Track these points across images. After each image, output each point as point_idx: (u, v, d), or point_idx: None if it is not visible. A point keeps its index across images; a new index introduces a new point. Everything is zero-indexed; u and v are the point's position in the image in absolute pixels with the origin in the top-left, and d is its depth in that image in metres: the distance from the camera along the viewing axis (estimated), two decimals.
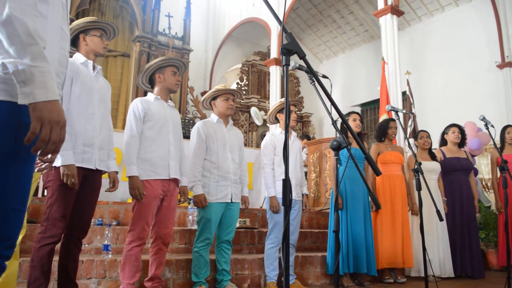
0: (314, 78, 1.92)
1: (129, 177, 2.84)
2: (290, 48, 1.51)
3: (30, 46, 1.07)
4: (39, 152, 1.11)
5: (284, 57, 1.53)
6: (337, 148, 2.12)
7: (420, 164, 3.32)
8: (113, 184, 2.79)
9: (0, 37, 1.06)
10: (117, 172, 2.82)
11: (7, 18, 1.05)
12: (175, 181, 3.08)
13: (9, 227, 1.13)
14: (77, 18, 9.37)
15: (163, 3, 10.58)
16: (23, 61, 1.05)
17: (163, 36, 10.47)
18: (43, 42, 1.11)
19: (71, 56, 2.67)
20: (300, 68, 2.24)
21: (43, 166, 1.96)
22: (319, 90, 1.89)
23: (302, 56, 1.56)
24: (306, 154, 6.90)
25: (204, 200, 3.23)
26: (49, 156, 1.42)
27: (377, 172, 1.58)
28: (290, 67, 1.68)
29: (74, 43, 2.74)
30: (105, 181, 2.80)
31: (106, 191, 2.76)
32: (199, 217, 3.31)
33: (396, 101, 6.60)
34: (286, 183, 1.36)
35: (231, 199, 3.37)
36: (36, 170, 1.86)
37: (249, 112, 11.51)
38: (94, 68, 2.71)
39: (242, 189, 3.55)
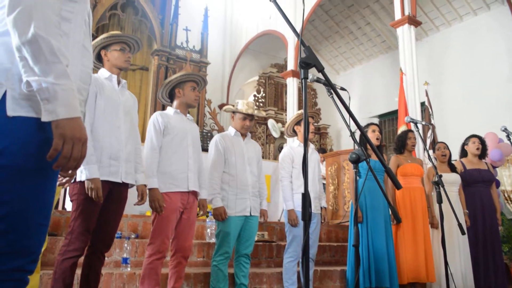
0: (332, 91, 1.91)
1: (149, 189, 2.86)
2: (308, 62, 1.51)
3: (54, 64, 1.09)
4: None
5: (302, 70, 1.53)
6: (356, 161, 2.10)
7: (440, 176, 3.27)
8: (141, 197, 2.80)
9: (25, 55, 1.08)
10: (145, 185, 2.83)
11: (32, 37, 1.08)
12: (194, 193, 3.09)
13: (33, 242, 1.15)
14: (97, 33, 9.57)
15: (181, 17, 10.72)
16: (47, 79, 1.07)
17: (181, 50, 10.59)
18: (66, 60, 1.14)
19: (96, 72, 2.72)
20: (318, 80, 2.23)
21: (64, 181, 1.99)
22: (338, 102, 1.88)
23: (321, 69, 1.56)
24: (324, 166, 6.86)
25: (224, 213, 3.22)
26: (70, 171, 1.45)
27: (397, 186, 1.55)
28: (308, 80, 1.68)
29: (99, 59, 2.79)
30: (130, 194, 2.81)
31: (134, 204, 2.78)
32: (217, 231, 3.30)
33: (415, 112, 6.53)
34: (306, 197, 1.35)
35: (250, 213, 3.36)
36: (57, 184, 1.89)
37: (266, 124, 11.52)
38: (119, 82, 2.75)
39: (261, 202, 3.53)
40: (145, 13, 10.05)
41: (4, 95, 1.12)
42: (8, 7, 1.10)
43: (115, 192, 2.59)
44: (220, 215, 3.22)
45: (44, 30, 1.09)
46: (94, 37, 2.76)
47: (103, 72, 2.70)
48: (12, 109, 1.12)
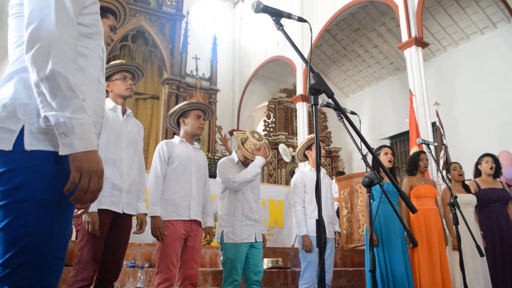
0: (342, 115, 1.91)
1: (152, 217, 2.88)
2: (318, 88, 1.52)
3: (72, 99, 1.12)
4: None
5: (312, 97, 1.54)
6: (369, 185, 2.09)
7: (455, 197, 3.23)
8: (140, 226, 2.80)
9: (43, 90, 1.11)
10: (145, 214, 2.84)
11: (50, 73, 1.11)
12: (197, 222, 3.09)
13: (50, 275, 1.15)
14: (108, 64, 9.73)
15: (190, 46, 10.90)
16: (64, 113, 1.10)
17: (191, 78, 10.73)
18: (83, 95, 1.17)
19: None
20: (328, 105, 2.24)
21: (78, 212, 2.00)
22: (348, 126, 1.89)
23: (331, 95, 1.57)
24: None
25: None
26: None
27: (412, 210, 1.54)
28: (318, 105, 1.69)
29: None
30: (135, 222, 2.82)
31: (134, 233, 2.78)
32: (224, 259, 3.27)
33: (426, 133, 6.49)
34: (320, 224, 1.35)
35: (255, 239, 3.35)
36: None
37: (277, 149, 11.53)
38: (125, 112, 2.78)
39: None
40: (155, 43, 10.24)
41: (22, 129, 1.15)
42: (27, 44, 1.14)
43: (118, 222, 2.59)
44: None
45: (61, 66, 1.13)
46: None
47: (108, 103, 2.72)
48: (30, 143, 1.15)
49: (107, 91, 2.79)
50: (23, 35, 1.17)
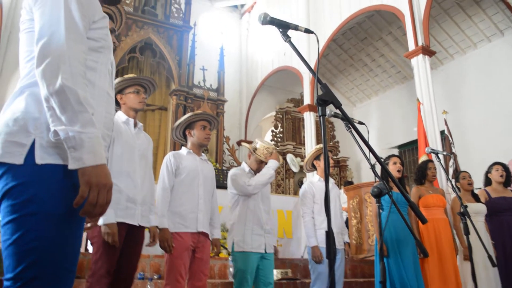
0: (350, 126, 1.91)
1: (159, 229, 2.88)
2: (325, 99, 1.53)
3: (81, 113, 1.13)
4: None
5: (320, 108, 1.54)
6: (378, 195, 2.08)
7: (466, 206, 3.20)
8: (153, 239, 2.82)
9: (53, 105, 1.13)
10: (157, 227, 2.85)
11: (60, 87, 1.12)
12: (205, 234, 3.09)
13: (63, 287, 1.16)
14: (117, 76, 9.81)
15: (198, 57, 10.96)
16: (73, 128, 1.11)
17: (199, 89, 10.77)
18: (92, 109, 1.18)
19: None
20: (335, 115, 2.25)
21: (88, 225, 2.01)
22: (356, 137, 1.88)
23: (338, 106, 1.57)
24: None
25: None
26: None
27: (422, 220, 1.53)
28: (326, 116, 1.69)
29: (116, 103, 2.86)
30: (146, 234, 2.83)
31: (146, 245, 2.79)
32: (235, 271, 3.27)
33: (435, 142, 6.45)
34: (330, 236, 1.34)
35: (265, 250, 3.33)
36: None
37: (285, 159, 11.51)
38: (136, 125, 2.80)
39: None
40: (163, 55, 10.31)
41: (33, 143, 1.17)
42: (37, 59, 1.16)
43: (132, 234, 2.60)
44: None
45: (71, 80, 1.14)
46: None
47: (120, 116, 2.76)
48: (41, 157, 1.16)
49: (119, 104, 2.83)
50: (34, 50, 1.19)
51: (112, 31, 2.21)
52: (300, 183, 11.10)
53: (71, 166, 1.12)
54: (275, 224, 3.50)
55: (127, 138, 2.68)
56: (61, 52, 1.16)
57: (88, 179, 1.11)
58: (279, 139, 11.87)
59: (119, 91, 2.82)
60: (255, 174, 3.48)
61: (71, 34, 1.20)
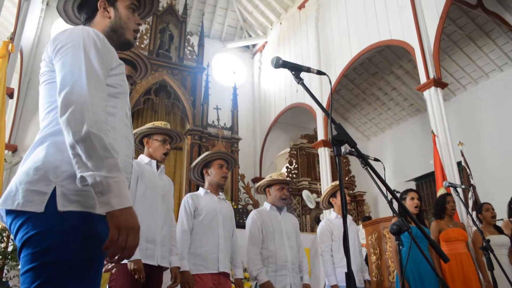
0: (366, 164, 1.92)
1: (180, 272, 2.87)
2: (340, 139, 1.55)
3: (107, 159, 1.16)
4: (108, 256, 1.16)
5: (335, 148, 1.56)
6: (397, 233, 2.06)
7: (488, 241, 3.13)
8: (175, 280, 2.81)
9: (78, 152, 1.15)
10: (179, 268, 2.84)
11: (86, 135, 1.15)
12: (226, 274, 3.06)
13: None
14: (132, 118, 10.01)
15: (211, 97, 11.14)
16: (100, 173, 1.14)
17: (213, 128, 10.89)
18: (117, 154, 1.21)
19: (136, 157, 2.85)
20: (350, 153, 2.25)
21: (109, 267, 2.01)
22: (372, 175, 1.88)
23: (353, 145, 1.58)
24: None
25: (272, 286, 3.12)
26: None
27: (444, 259, 1.50)
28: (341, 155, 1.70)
29: (141, 143, 2.95)
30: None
31: (168, 287, 2.77)
32: None
33: (452, 174, 6.36)
34: (350, 277, 1.33)
35: None
36: (103, 270, 1.91)
37: (301, 195, 11.44)
38: (158, 167, 2.87)
39: (303, 277, 3.43)
40: (177, 96, 10.50)
41: (53, 191, 1.19)
42: (61, 108, 1.20)
43: (152, 275, 2.60)
44: None
45: (95, 127, 1.18)
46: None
47: (143, 158, 2.85)
48: (62, 205, 1.18)
49: (144, 146, 2.91)
50: (55, 100, 1.23)
51: (128, 78, 2.28)
52: (317, 219, 10.96)
53: (99, 210, 1.14)
54: (304, 261, 3.41)
55: (150, 178, 2.74)
56: (84, 100, 1.20)
57: (117, 222, 1.13)
58: (294, 176, 11.83)
59: (147, 135, 2.91)
60: (278, 210, 3.47)
61: (92, 82, 1.25)
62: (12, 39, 4.88)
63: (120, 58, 1.48)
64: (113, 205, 1.13)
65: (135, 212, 1.19)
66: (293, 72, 1.74)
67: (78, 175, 1.15)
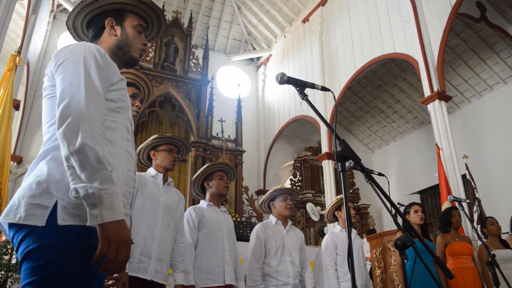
0: (369, 179, 1.92)
1: (186, 286, 2.84)
2: (345, 155, 1.56)
3: (100, 171, 1.16)
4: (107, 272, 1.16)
5: (340, 164, 1.57)
6: (402, 248, 2.05)
7: (494, 256, 3.11)
8: None
9: (72, 164, 1.16)
10: (183, 286, 2.80)
11: (80, 146, 1.16)
12: (232, 287, 3.05)
13: None
14: (137, 130, 10.07)
15: (215, 109, 11.19)
16: (92, 185, 1.14)
17: (217, 140, 10.91)
18: (111, 166, 1.21)
19: (145, 170, 2.86)
20: (354, 168, 2.26)
21: (109, 283, 2.01)
22: (377, 190, 1.89)
23: (358, 161, 1.59)
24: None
25: None
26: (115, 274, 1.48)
27: (449, 276, 1.50)
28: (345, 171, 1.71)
29: (149, 159, 2.96)
30: None
31: None
32: None
33: (457, 187, 6.34)
34: None
35: None
36: None
37: (304, 208, 11.40)
38: (166, 180, 2.86)
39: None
40: (181, 108, 10.55)
41: (55, 205, 1.20)
42: (58, 120, 1.21)
43: None
44: None
45: (90, 139, 1.19)
46: (135, 134, 2.95)
47: (150, 171, 2.85)
48: (62, 219, 1.19)
49: (151, 159, 2.92)
50: (55, 114, 1.25)
51: (134, 96, 2.31)
52: (321, 232, 10.91)
53: (90, 222, 1.13)
54: (308, 276, 3.37)
55: (152, 191, 2.72)
56: (81, 113, 1.21)
57: (108, 235, 1.12)
58: (298, 188, 11.80)
59: (153, 147, 2.92)
60: (283, 224, 3.46)
61: (91, 96, 1.27)
62: (19, 52, 4.94)
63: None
64: (104, 218, 1.13)
65: (127, 226, 1.19)
66: (297, 88, 1.76)
67: (72, 187, 1.15)
